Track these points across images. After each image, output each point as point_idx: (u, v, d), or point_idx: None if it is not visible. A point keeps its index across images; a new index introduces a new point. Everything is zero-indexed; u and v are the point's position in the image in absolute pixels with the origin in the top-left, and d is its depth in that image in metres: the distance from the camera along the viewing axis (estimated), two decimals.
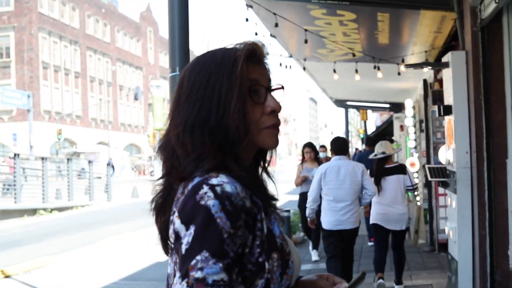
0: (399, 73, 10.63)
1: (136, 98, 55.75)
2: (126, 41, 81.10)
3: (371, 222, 8.62)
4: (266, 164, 1.79)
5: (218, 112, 1.62)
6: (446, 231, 7.96)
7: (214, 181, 1.53)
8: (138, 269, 11.38)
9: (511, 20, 6.60)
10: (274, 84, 1.74)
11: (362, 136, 38.21)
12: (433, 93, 10.31)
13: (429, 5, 7.46)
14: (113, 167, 33.62)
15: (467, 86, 7.14)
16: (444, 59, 7.51)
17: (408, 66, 9.06)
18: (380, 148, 8.54)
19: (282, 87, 1.74)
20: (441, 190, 10.41)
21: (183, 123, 1.65)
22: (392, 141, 20.20)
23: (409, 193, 9.36)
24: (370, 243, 12.05)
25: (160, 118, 66.50)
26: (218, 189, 1.52)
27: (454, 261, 7.40)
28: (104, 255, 13.33)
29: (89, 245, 14.80)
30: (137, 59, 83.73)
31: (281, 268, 1.57)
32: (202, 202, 1.50)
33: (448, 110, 7.29)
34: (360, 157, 13.89)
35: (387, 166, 8.50)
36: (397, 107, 20.36)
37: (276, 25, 7.81)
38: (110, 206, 27.56)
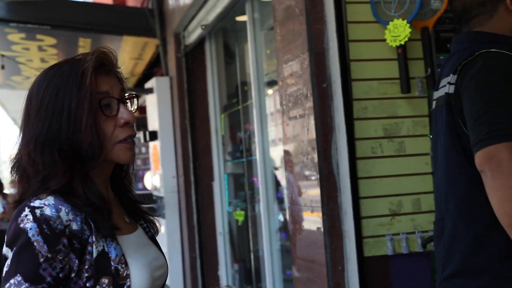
0: None
1: None
2: None
3: None
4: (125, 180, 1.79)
5: (68, 128, 1.56)
6: None
7: (36, 203, 1.50)
8: None
9: (213, 47, 6.88)
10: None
11: None
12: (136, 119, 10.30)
13: (132, 31, 7.45)
14: None
15: (172, 111, 7.25)
16: (148, 85, 7.56)
17: None
18: None
19: (136, 96, 1.70)
20: None
21: (33, 141, 1.57)
22: None
23: None
24: None
25: None
26: (37, 212, 1.49)
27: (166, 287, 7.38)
28: None
29: None
30: None
31: None
32: (22, 225, 1.48)
33: (154, 135, 7.32)
34: None
35: None
36: None
37: None
38: None
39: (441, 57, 3.72)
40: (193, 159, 6.97)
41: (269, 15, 5.86)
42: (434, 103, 2.31)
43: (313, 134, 3.49)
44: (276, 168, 5.47)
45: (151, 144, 7.65)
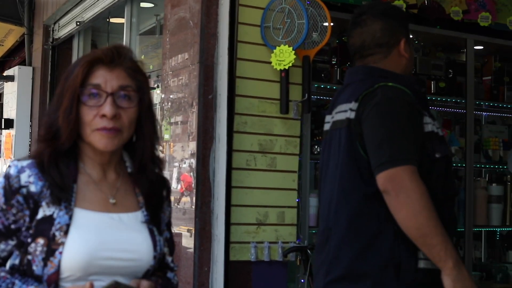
0: None
1: None
2: None
3: None
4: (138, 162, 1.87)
5: (56, 108, 1.76)
6: None
7: (14, 162, 1.76)
8: None
9: (82, 44, 6.89)
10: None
11: None
12: None
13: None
14: None
15: (32, 102, 7.15)
16: (9, 72, 7.40)
17: None
18: None
19: (128, 95, 1.78)
20: None
21: (48, 110, 1.83)
22: None
23: None
24: None
25: None
26: (8, 169, 1.75)
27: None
28: None
29: None
30: None
31: (45, 254, 1.69)
32: None
33: (9, 123, 7.18)
34: None
35: None
36: None
37: None
38: None
39: (315, 85, 4.08)
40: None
41: (146, 21, 6.03)
42: (327, 125, 2.59)
43: (194, 142, 3.69)
44: None
45: (5, 132, 7.47)
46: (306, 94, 3.82)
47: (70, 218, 1.72)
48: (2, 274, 1.71)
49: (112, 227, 1.78)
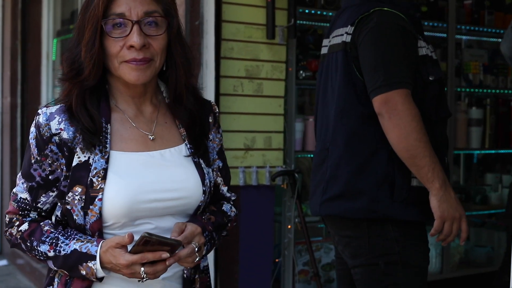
0: None
1: None
2: None
3: None
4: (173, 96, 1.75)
5: (78, 42, 1.66)
6: None
7: (42, 109, 1.66)
8: None
9: None
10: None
11: None
12: None
13: None
14: None
15: (3, 30, 7.00)
16: None
17: None
18: None
19: (155, 22, 1.65)
20: None
21: (69, 44, 1.70)
22: None
23: None
24: None
25: None
26: (37, 118, 1.66)
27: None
28: None
29: None
30: None
31: (83, 203, 1.61)
32: (30, 128, 1.68)
33: None
34: None
35: None
36: None
37: None
38: None
39: (300, 10, 4.07)
40: (21, 81, 6.81)
41: None
42: (324, 49, 2.63)
43: None
44: None
45: None
46: (292, 19, 3.82)
47: (107, 161, 1.63)
48: (46, 228, 1.66)
49: (153, 166, 1.68)
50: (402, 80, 2.31)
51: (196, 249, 1.61)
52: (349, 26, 2.45)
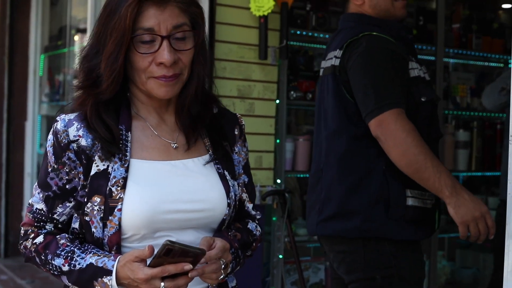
0: None
1: None
2: None
3: None
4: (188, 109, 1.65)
5: (96, 49, 1.58)
6: None
7: (61, 116, 1.60)
8: None
9: None
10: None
11: None
12: None
13: None
14: None
15: None
16: None
17: None
18: None
19: (192, 30, 1.58)
20: None
21: (85, 51, 1.62)
22: None
23: None
24: None
25: None
26: (55, 124, 1.59)
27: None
28: None
29: None
30: None
31: (102, 213, 1.54)
32: (48, 136, 1.62)
33: None
34: None
35: None
36: None
37: None
38: None
39: (291, 31, 4.10)
40: (8, 96, 6.78)
41: None
42: (321, 71, 2.67)
43: None
44: None
45: None
46: (284, 40, 3.86)
47: (127, 170, 1.55)
48: (62, 241, 1.57)
49: (176, 176, 1.59)
50: (392, 101, 2.35)
51: (223, 265, 1.53)
52: (337, 49, 2.49)
